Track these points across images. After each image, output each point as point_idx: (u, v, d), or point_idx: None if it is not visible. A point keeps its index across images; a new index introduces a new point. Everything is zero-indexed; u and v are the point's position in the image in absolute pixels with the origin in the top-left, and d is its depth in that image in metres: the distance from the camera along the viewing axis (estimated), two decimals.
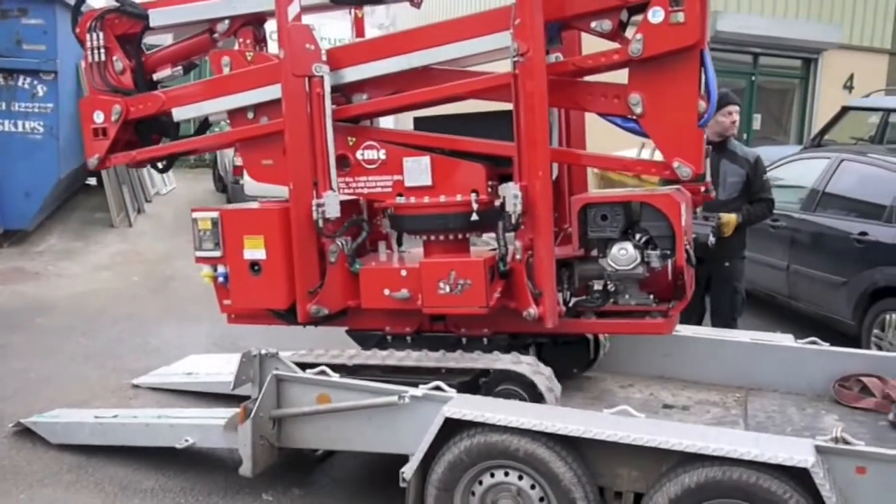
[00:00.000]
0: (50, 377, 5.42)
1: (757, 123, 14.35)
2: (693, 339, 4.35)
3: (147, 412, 4.47)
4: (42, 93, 9.42)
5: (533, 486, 3.14)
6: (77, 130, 6.21)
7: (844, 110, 10.14)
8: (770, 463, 2.75)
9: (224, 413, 3.94)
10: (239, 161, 10.24)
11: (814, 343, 4.23)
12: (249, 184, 9.91)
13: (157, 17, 4.09)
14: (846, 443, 2.84)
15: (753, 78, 14.38)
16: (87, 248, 9.77)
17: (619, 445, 2.96)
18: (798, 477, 2.73)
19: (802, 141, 13.46)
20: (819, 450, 2.79)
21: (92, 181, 12.02)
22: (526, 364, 3.49)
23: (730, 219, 4.95)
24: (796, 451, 2.76)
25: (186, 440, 3.96)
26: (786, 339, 4.33)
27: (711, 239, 4.78)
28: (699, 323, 5.19)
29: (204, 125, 4.30)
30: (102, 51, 4.12)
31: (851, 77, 14.57)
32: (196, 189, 13.88)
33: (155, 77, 4.24)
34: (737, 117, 5.13)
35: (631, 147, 8.25)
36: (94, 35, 4.10)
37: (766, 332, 4.63)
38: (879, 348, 5.61)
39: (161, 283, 8.32)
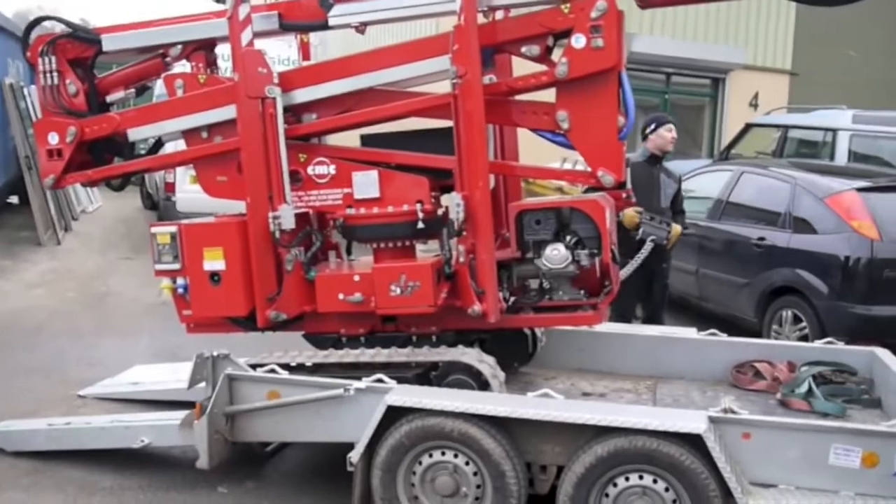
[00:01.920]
0: None
1: None
2: (608, 335, 4.79)
3: (100, 418, 4.62)
4: None
5: (467, 463, 3.48)
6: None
7: (748, 127, 10.92)
8: (669, 431, 3.19)
9: (177, 414, 4.15)
10: (170, 178, 10.36)
11: (713, 335, 4.74)
12: (181, 200, 10.06)
13: (109, 42, 4.28)
14: (733, 413, 3.30)
15: (667, 96, 15.21)
16: (16, 266, 9.68)
17: (543, 423, 3.36)
18: (693, 442, 3.17)
19: (714, 155, 14.30)
20: (711, 419, 3.24)
21: (14, 199, 11.88)
22: (471, 355, 3.83)
23: (678, 230, 5.60)
24: (690, 421, 3.21)
25: (142, 440, 4.16)
26: (689, 332, 4.85)
27: (665, 241, 5.37)
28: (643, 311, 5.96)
29: (157, 145, 4.51)
30: (55, 74, 4.27)
31: (756, 95, 15.55)
32: (123, 207, 13.81)
33: (108, 99, 4.43)
34: (674, 136, 5.76)
35: (553, 160, 8.74)
36: (47, 59, 4.24)
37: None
38: None
39: (97, 300, 8.34)
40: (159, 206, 11.31)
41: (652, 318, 5.84)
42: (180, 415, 4.07)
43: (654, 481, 3.24)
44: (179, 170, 9.57)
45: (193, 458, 3.90)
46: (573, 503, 3.30)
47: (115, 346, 6.62)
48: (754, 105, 15.34)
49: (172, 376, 5.21)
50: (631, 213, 5.33)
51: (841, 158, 9.40)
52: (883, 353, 4.42)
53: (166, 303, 7.93)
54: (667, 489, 3.23)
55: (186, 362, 5.07)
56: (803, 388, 4.13)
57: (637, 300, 5.92)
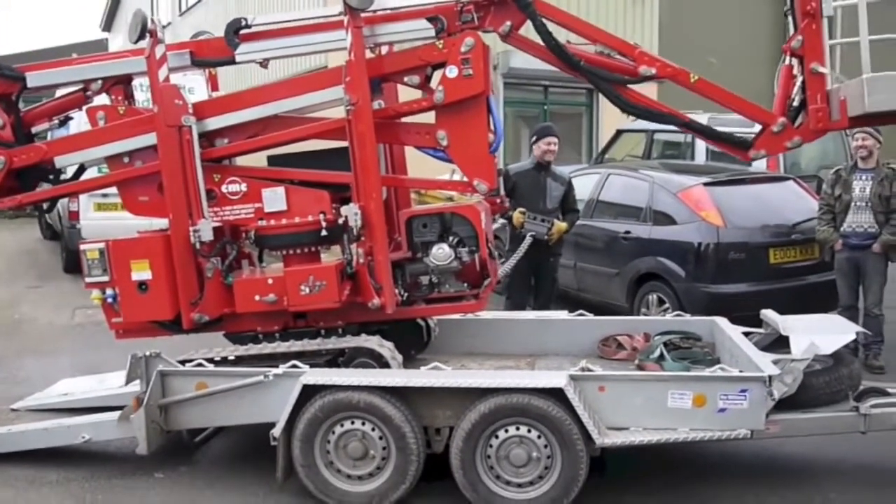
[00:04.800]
0: None
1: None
2: (492, 322, 5.54)
3: (40, 423, 4.99)
4: None
5: (373, 429, 4.10)
6: None
7: (619, 133, 11.95)
8: (537, 387, 3.93)
9: (113, 413, 4.57)
10: (74, 207, 10.56)
11: (581, 315, 5.54)
12: (86, 227, 10.30)
13: (34, 78, 4.71)
14: (590, 370, 4.07)
15: (546, 107, 16.21)
16: None
17: (434, 390, 4.04)
18: (557, 396, 3.90)
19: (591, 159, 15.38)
20: (571, 377, 3.98)
21: None
22: (373, 341, 4.47)
23: (561, 226, 6.41)
24: (553, 378, 3.95)
25: (83, 437, 4.58)
26: (561, 314, 5.64)
27: (546, 237, 6.22)
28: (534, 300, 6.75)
29: (80, 170, 4.96)
30: None
31: None
32: (23, 238, 13.90)
33: (33, 130, 4.86)
34: (554, 147, 6.60)
35: (443, 173, 9.47)
36: None
37: None
38: None
39: (12, 327, 8.53)
40: (63, 234, 11.41)
41: (542, 309, 6.55)
42: (116, 413, 4.52)
43: (529, 431, 3.97)
44: (83, 198, 9.91)
45: (130, 451, 4.42)
46: (463, 455, 3.99)
47: (37, 365, 6.89)
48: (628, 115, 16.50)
49: (99, 385, 5.57)
50: (517, 215, 6.19)
51: (700, 157, 10.48)
52: (721, 321, 5.26)
53: (81, 325, 8.32)
54: (539, 436, 3.96)
55: (111, 373, 5.58)
56: (656, 354, 4.91)
57: (529, 293, 6.75)
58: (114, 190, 4.85)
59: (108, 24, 32.35)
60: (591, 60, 4.52)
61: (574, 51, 4.49)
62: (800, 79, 4.34)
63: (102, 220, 9.99)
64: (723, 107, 4.55)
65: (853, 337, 4.54)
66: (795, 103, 4.39)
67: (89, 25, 54.31)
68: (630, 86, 4.55)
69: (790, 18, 4.40)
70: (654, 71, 4.43)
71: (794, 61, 4.37)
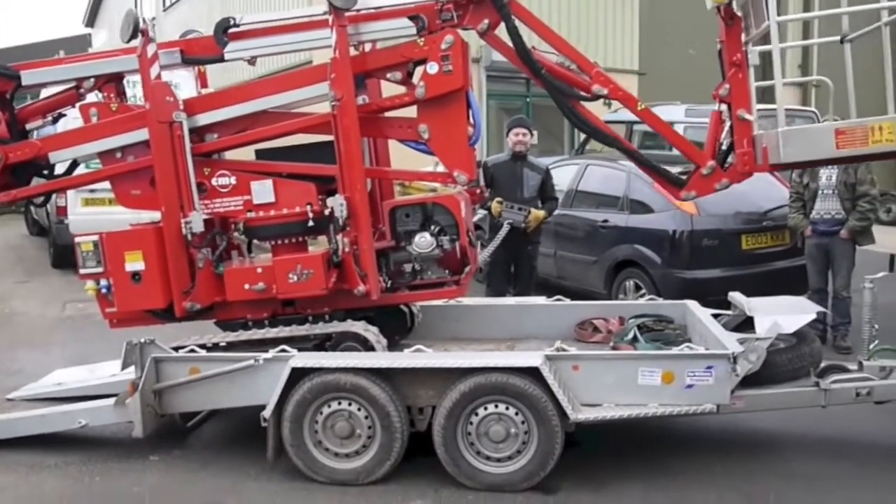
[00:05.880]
0: None
1: (535, 138, 16.41)
2: (473, 307, 5.76)
3: (38, 410, 5.17)
4: None
5: (359, 409, 4.30)
6: None
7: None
8: (515, 367, 4.15)
9: (109, 399, 4.75)
10: (62, 202, 10.69)
11: (559, 300, 5.77)
12: (74, 223, 10.45)
13: (28, 77, 4.88)
14: (564, 350, 4.30)
15: (528, 100, 16.40)
16: None
17: (417, 371, 4.26)
18: (534, 375, 4.12)
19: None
20: (547, 357, 4.20)
21: None
22: (359, 326, 4.67)
23: (538, 214, 6.61)
24: (530, 358, 4.18)
25: (80, 422, 4.76)
26: (540, 300, 5.87)
27: (523, 224, 6.45)
28: (514, 287, 6.95)
29: (73, 165, 5.13)
30: None
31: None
32: (8, 235, 13.99)
33: (28, 126, 5.03)
34: (524, 138, 6.83)
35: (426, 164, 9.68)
36: None
37: None
38: None
39: (3, 321, 8.67)
40: (50, 230, 11.53)
41: (521, 296, 6.76)
42: (112, 399, 4.70)
43: (507, 408, 4.19)
44: (70, 193, 10.06)
45: (125, 436, 4.63)
46: (445, 432, 4.20)
47: (30, 357, 7.04)
48: (608, 104, 16.70)
49: (91, 375, 5.74)
50: (495, 204, 6.43)
51: (715, 105, 10.68)
52: (692, 304, 5.50)
53: (71, 317, 8.47)
54: (517, 413, 4.18)
55: (103, 363, 5.76)
56: (630, 336, 5.14)
57: (508, 281, 6.97)
58: (101, 185, 5.02)
59: (90, 20, 32.31)
60: (553, 70, 4.79)
61: (539, 57, 4.74)
62: (728, 123, 4.66)
63: (90, 216, 10.13)
64: (661, 137, 4.81)
65: (814, 317, 4.78)
66: (724, 147, 4.72)
67: (72, 21, 54.07)
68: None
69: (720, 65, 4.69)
70: (606, 91, 4.75)
71: (724, 107, 4.69)
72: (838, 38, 4.85)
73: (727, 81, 4.61)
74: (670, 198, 7.24)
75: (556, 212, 8.20)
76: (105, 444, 4.97)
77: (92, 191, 9.76)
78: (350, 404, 4.32)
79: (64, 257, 11.19)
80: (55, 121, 5.14)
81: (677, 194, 4.91)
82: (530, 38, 4.69)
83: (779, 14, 4.25)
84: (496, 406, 4.20)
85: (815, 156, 4.43)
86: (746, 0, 4.52)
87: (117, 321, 4.96)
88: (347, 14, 4.49)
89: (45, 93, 5.32)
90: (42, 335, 7.72)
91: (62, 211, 10.59)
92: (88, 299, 5.13)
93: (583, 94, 4.78)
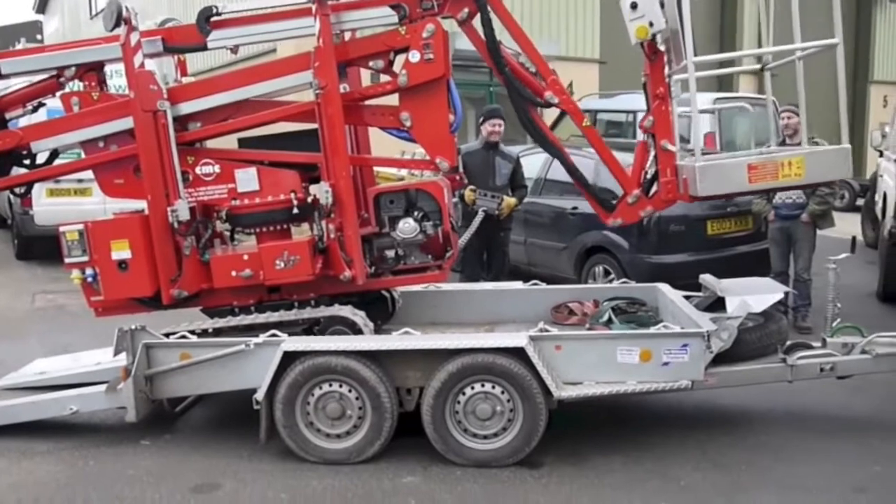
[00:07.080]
0: None
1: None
2: (452, 293, 5.90)
3: (25, 398, 5.17)
4: None
5: (350, 390, 4.42)
6: None
7: (563, 114, 12.30)
8: (501, 347, 4.31)
9: (100, 386, 4.79)
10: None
11: (535, 284, 5.96)
12: (39, 213, 10.36)
13: (6, 66, 4.86)
14: (547, 331, 4.46)
15: (492, 89, 16.49)
16: None
17: (406, 353, 4.40)
18: (519, 355, 4.28)
19: None
20: (531, 337, 4.36)
21: None
22: (346, 310, 4.77)
23: (510, 201, 6.79)
24: (515, 339, 4.33)
25: (71, 408, 4.78)
26: (516, 284, 6.04)
27: (496, 212, 6.63)
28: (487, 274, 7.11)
29: (53, 155, 5.12)
30: None
31: (571, 84, 17.13)
32: None
33: (7, 116, 5.01)
34: (499, 129, 7.03)
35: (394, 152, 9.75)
36: None
37: None
38: None
39: None
40: (14, 221, 11.34)
41: (495, 282, 6.94)
42: (103, 385, 4.73)
43: (493, 387, 4.34)
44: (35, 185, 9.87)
45: (115, 422, 4.72)
46: (433, 411, 4.34)
47: (6, 348, 6.94)
48: (571, 92, 16.88)
49: (75, 363, 5.73)
50: (468, 192, 6.56)
51: (640, 135, 10.93)
52: (664, 286, 5.70)
53: (42, 308, 8.40)
54: (502, 392, 4.34)
55: (85, 351, 5.76)
56: (605, 318, 5.32)
57: (481, 268, 7.11)
58: (66, 176, 5.00)
59: (41, 7, 31.65)
60: (515, 70, 4.94)
61: (505, 54, 4.89)
62: (652, 153, 4.91)
63: (55, 206, 10.05)
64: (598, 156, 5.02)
65: (781, 296, 5.00)
66: (649, 175, 4.96)
67: (21, 7, 52.62)
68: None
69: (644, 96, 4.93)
70: (557, 101, 4.96)
71: (648, 138, 4.94)
72: (759, 66, 5.20)
73: (651, 113, 4.85)
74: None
75: (526, 200, 8.39)
76: (95, 430, 5.00)
77: (56, 181, 9.64)
78: (341, 386, 4.43)
79: (28, 249, 11.08)
80: (35, 110, 5.12)
81: (605, 219, 5.14)
82: (501, 33, 4.82)
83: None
84: (482, 385, 4.35)
85: (729, 189, 4.67)
86: (668, 36, 4.70)
87: (103, 309, 4.98)
88: (330, 3, 4.57)
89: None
90: (15, 327, 7.64)
91: (27, 202, 10.45)
92: (58, 290, 5.14)
93: (537, 99, 4.92)
